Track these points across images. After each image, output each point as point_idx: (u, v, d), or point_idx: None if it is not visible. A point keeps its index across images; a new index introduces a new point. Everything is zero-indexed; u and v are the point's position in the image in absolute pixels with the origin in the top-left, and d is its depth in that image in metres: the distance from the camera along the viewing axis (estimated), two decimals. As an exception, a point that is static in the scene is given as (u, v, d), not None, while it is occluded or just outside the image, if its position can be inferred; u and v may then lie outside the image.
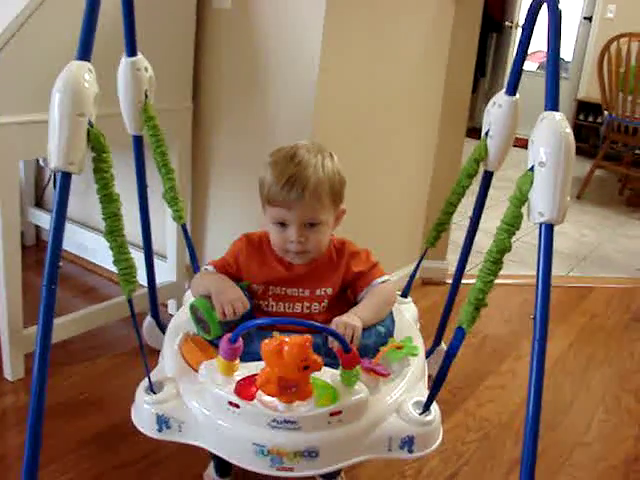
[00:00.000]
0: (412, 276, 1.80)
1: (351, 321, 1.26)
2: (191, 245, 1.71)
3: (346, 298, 1.43)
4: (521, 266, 3.09)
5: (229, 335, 1.11)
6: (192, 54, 2.08)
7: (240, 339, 1.11)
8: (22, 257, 1.81)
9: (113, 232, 1.20)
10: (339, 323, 1.25)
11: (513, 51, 6.36)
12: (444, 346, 1.96)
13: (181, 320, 1.41)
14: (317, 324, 1.16)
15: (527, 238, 3.38)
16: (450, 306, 1.85)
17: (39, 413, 1.16)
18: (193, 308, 1.33)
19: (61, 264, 1.16)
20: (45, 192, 2.72)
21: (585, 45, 6.44)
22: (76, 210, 2.58)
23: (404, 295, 1.75)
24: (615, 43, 4.43)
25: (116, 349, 2.08)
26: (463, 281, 1.81)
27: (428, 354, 1.84)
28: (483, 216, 1.70)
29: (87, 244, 2.55)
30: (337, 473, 1.58)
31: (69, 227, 2.56)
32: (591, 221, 4.21)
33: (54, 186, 1.15)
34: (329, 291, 1.38)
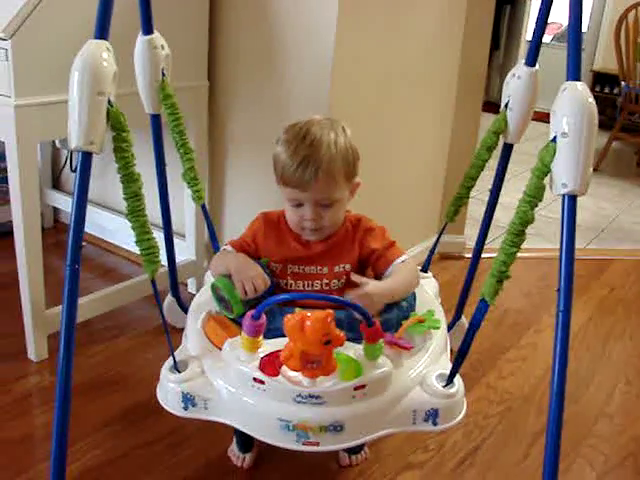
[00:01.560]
0: (432, 251, 1.79)
1: (363, 291, 1.26)
2: (211, 225, 1.72)
3: (367, 276, 1.42)
4: (540, 239, 3.07)
5: (252, 312, 1.11)
6: (207, 31, 2.07)
7: (263, 315, 1.12)
8: (41, 239, 1.82)
9: (135, 212, 1.20)
10: (352, 295, 1.25)
11: (527, 23, 6.27)
12: (465, 320, 1.97)
13: (203, 300, 1.42)
14: (338, 298, 1.17)
15: (545, 211, 3.35)
16: (470, 280, 1.85)
17: (66, 392, 1.17)
18: (214, 288, 1.34)
19: (84, 244, 1.16)
20: (62, 174, 2.73)
21: (601, 15, 6.33)
22: (94, 191, 2.59)
23: (424, 270, 1.75)
24: (633, 12, 4.37)
25: (137, 328, 2.10)
26: (483, 255, 1.80)
27: (449, 328, 1.83)
28: (502, 190, 1.69)
29: (106, 225, 2.56)
30: (360, 447, 1.59)
31: (88, 208, 2.55)
32: (608, 193, 4.17)
33: (71, 168, 1.15)
34: (347, 267, 1.38)
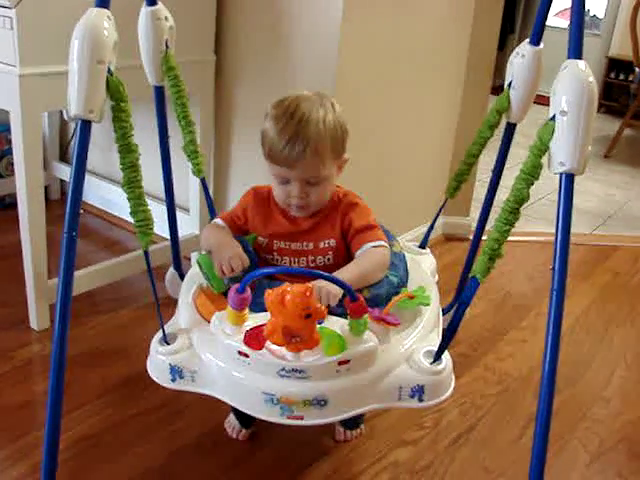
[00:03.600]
0: (430, 227, 1.79)
1: (327, 285, 1.21)
2: (210, 198, 1.72)
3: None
4: (545, 223, 3.06)
5: (237, 285, 1.12)
6: (214, 5, 2.07)
7: (248, 289, 1.12)
8: (47, 211, 1.83)
9: (131, 183, 1.20)
10: (317, 286, 1.20)
11: (543, 7, 6.21)
12: (465, 301, 1.97)
13: (196, 273, 1.43)
14: (319, 272, 1.15)
15: (551, 196, 3.34)
16: (471, 262, 1.85)
17: (62, 358, 1.18)
18: (198, 264, 1.36)
19: (82, 211, 1.17)
20: (69, 147, 2.74)
21: (618, 1, 6.27)
22: (101, 164, 2.60)
23: (422, 246, 1.74)
24: (649, -2, 4.32)
25: (139, 301, 2.11)
26: (484, 237, 1.80)
27: (449, 309, 1.84)
28: (505, 173, 1.68)
29: (112, 198, 2.58)
30: (357, 423, 1.60)
31: (94, 181, 2.58)
32: (619, 180, 4.14)
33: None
34: (332, 243, 1.38)
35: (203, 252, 1.39)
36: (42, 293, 1.86)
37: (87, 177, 1.19)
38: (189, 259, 2.35)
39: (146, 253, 1.26)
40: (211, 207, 1.71)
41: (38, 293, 1.85)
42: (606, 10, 6.38)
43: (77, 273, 1.95)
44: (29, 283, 1.85)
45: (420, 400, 1.17)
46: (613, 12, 6.34)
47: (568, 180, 1.09)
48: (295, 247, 1.38)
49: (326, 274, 1.14)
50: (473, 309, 2.13)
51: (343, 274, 1.26)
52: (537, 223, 3.07)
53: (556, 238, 1.09)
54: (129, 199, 1.21)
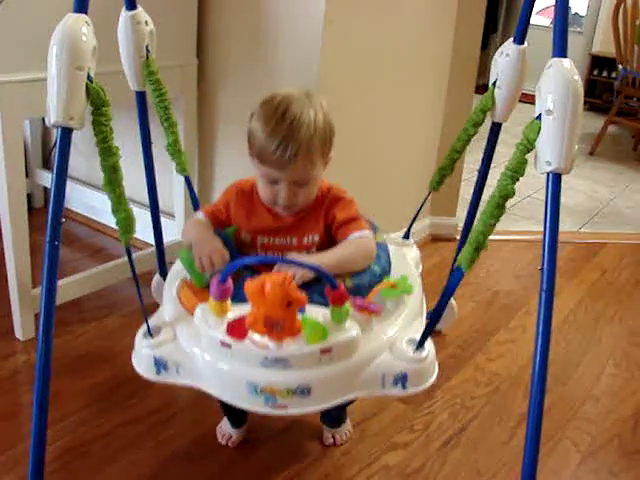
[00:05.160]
0: (413, 218, 1.79)
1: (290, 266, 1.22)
2: (195, 196, 1.71)
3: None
4: (532, 222, 3.07)
5: (218, 276, 1.11)
6: (196, 9, 2.05)
7: (230, 279, 1.11)
8: (30, 219, 1.81)
9: (111, 183, 1.18)
10: (282, 265, 1.23)
11: (525, 6, 6.23)
12: (453, 301, 1.96)
13: (180, 267, 1.42)
14: (296, 260, 1.16)
15: (538, 194, 3.36)
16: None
17: (46, 369, 1.16)
18: (180, 259, 1.36)
19: (64, 219, 1.16)
20: (52, 153, 2.71)
21: (600, -1, 6.30)
22: (84, 171, 2.58)
23: (406, 237, 1.74)
24: (631, -5, 4.34)
25: (125, 308, 2.09)
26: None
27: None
28: (491, 173, 1.68)
29: (96, 204, 2.55)
30: (340, 420, 1.59)
31: (78, 188, 2.55)
32: (604, 177, 4.16)
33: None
34: (316, 238, 1.37)
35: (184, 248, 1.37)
36: (26, 302, 1.84)
37: (70, 184, 1.18)
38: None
39: (128, 249, 1.24)
40: (196, 204, 1.70)
41: (22, 302, 1.83)
42: (588, 7, 6.41)
43: (62, 281, 1.93)
44: (13, 292, 1.82)
45: (404, 387, 1.16)
46: (595, 9, 6.37)
47: (555, 179, 1.08)
48: (279, 242, 1.37)
49: (307, 263, 1.15)
50: (461, 309, 2.12)
51: (322, 259, 1.25)
52: (523, 222, 3.07)
53: (544, 238, 1.09)
54: (110, 198, 1.20)
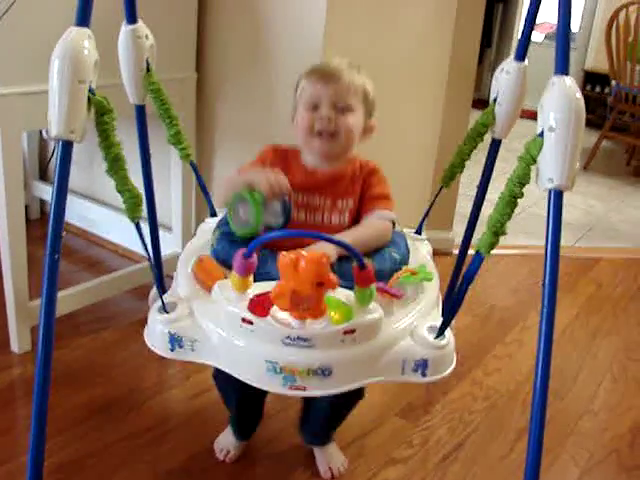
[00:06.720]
0: (426, 214, 1.78)
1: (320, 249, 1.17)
2: (202, 184, 1.67)
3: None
4: (528, 236, 3.07)
5: (243, 250, 1.08)
6: (195, 23, 2.06)
7: (254, 254, 1.08)
8: (27, 231, 1.80)
9: (114, 167, 1.16)
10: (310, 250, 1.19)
11: (519, 21, 6.27)
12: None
13: (194, 246, 1.43)
14: (327, 236, 1.11)
15: (533, 209, 3.36)
16: (457, 276, 1.84)
17: (45, 384, 1.16)
18: (237, 197, 1.26)
19: (64, 233, 1.15)
20: (49, 165, 2.71)
21: (593, 15, 6.35)
22: (81, 183, 2.57)
23: (418, 232, 1.74)
24: (623, 11, 4.37)
25: (121, 321, 2.08)
26: (470, 252, 1.79)
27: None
28: (489, 188, 1.68)
29: (92, 217, 2.54)
30: (328, 437, 1.56)
31: (74, 200, 2.55)
32: (598, 192, 4.18)
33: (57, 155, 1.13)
34: (350, 203, 1.36)
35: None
36: (23, 315, 1.83)
37: (67, 196, 1.17)
38: (172, 278, 2.32)
39: (137, 225, 1.21)
40: (204, 189, 1.66)
41: (19, 315, 1.82)
42: (581, 24, 6.46)
43: (58, 294, 1.90)
44: (10, 305, 1.82)
45: (423, 374, 1.15)
46: (587, 26, 6.42)
47: (557, 196, 1.08)
48: (312, 202, 1.35)
49: (343, 242, 1.11)
50: (458, 323, 2.11)
51: (344, 238, 1.22)
52: (518, 236, 3.08)
53: (546, 254, 1.09)
54: (114, 179, 1.18)
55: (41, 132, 2.58)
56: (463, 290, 1.19)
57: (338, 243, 1.11)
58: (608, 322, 2.40)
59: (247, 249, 1.07)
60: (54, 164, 2.67)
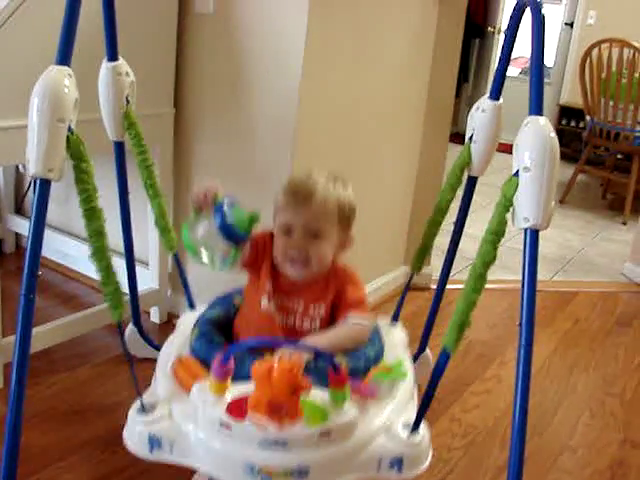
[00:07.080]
0: (400, 302, 1.79)
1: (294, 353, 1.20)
2: (185, 278, 1.69)
3: None
4: (505, 271, 3.09)
5: (220, 356, 1.11)
6: (174, 60, 2.07)
7: (232, 360, 1.12)
8: (1, 265, 1.78)
9: (98, 252, 1.18)
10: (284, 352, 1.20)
11: (495, 56, 6.37)
12: (429, 352, 1.96)
13: (174, 343, 1.42)
14: (300, 343, 1.17)
15: (510, 243, 3.37)
16: (435, 312, 1.85)
17: (16, 427, 1.14)
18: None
19: (41, 273, 1.14)
20: (25, 199, 2.69)
21: (567, 51, 6.47)
22: (57, 217, 2.55)
23: (395, 319, 1.74)
24: (596, 49, 4.45)
25: (98, 357, 2.05)
26: (448, 286, 1.80)
27: (414, 359, 1.83)
28: (467, 221, 1.70)
29: (68, 251, 2.52)
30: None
31: (50, 234, 2.53)
32: (574, 225, 4.22)
33: (34, 193, 1.13)
34: (322, 310, 1.37)
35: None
36: (-4, 352, 1.80)
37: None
38: (148, 314, 2.31)
39: (119, 325, 1.22)
40: (186, 287, 1.68)
41: (-8, 352, 1.79)
42: (555, 59, 6.58)
43: (34, 330, 1.88)
44: (-18, 342, 1.79)
45: (399, 470, 1.16)
46: (562, 61, 6.54)
47: (532, 235, 1.10)
48: (286, 304, 1.37)
49: (313, 347, 1.17)
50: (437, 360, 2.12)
51: (319, 341, 1.27)
52: (498, 271, 3.08)
53: (522, 293, 1.10)
54: (98, 270, 1.19)
55: (17, 166, 2.57)
56: (432, 387, 1.22)
57: (310, 350, 1.17)
58: (586, 357, 2.41)
59: (224, 355, 1.11)
60: (30, 198, 2.67)
